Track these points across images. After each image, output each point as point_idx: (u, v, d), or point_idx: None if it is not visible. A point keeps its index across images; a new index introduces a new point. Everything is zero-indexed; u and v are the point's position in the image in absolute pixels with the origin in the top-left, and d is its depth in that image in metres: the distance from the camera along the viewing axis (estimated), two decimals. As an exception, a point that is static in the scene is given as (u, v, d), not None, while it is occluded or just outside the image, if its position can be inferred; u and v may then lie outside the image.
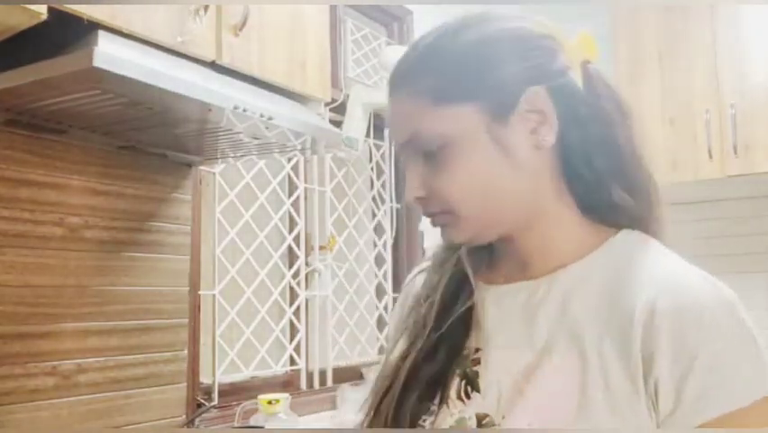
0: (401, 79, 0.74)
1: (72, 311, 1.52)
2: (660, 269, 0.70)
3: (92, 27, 1.13)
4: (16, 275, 1.43)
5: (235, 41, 1.41)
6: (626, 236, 0.75)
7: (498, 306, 0.75)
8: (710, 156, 2.50)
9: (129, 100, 1.23)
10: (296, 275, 2.21)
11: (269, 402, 1.68)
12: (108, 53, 1.08)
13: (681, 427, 0.62)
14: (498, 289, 0.76)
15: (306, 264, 2.24)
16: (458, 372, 0.74)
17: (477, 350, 0.74)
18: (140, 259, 1.67)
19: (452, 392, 0.73)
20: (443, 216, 0.73)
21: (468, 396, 0.72)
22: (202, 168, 1.86)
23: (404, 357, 0.77)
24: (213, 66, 1.38)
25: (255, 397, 1.75)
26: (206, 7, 1.33)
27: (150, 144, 1.63)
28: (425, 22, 2.71)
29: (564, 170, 0.74)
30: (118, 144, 1.60)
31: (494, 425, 0.69)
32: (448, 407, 0.72)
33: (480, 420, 0.70)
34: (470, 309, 0.76)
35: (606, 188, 0.74)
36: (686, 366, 0.62)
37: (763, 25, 2.49)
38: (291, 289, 2.22)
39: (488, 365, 0.72)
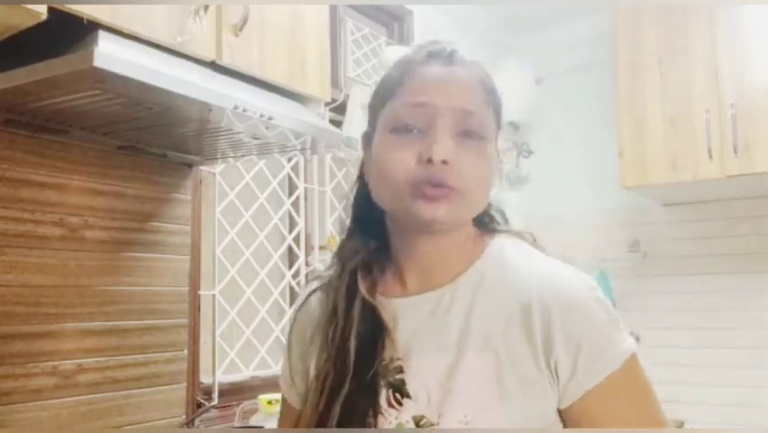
0: (468, 59, 0.84)
1: (72, 311, 1.52)
2: (537, 267, 0.82)
3: (92, 27, 1.13)
4: (16, 275, 1.43)
5: (235, 41, 1.41)
6: (503, 242, 0.86)
7: (406, 317, 0.82)
8: (710, 156, 2.50)
9: (129, 100, 1.23)
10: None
11: (269, 402, 1.68)
12: (108, 53, 1.08)
13: (578, 392, 0.76)
14: (400, 301, 0.84)
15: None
16: (383, 383, 0.80)
17: (394, 359, 0.80)
18: (140, 259, 1.67)
19: (383, 402, 0.79)
20: (447, 191, 0.78)
21: (399, 402, 0.79)
22: (202, 168, 1.86)
23: (324, 379, 0.82)
24: (213, 66, 1.38)
25: (255, 397, 1.75)
26: (206, 7, 1.33)
27: (151, 144, 1.63)
28: (424, 22, 2.71)
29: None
30: (118, 144, 1.60)
31: (432, 424, 0.76)
32: (384, 416, 0.79)
33: (418, 422, 0.77)
34: (377, 324, 0.82)
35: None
36: (575, 345, 0.75)
37: (763, 25, 2.48)
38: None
39: (411, 372, 0.79)
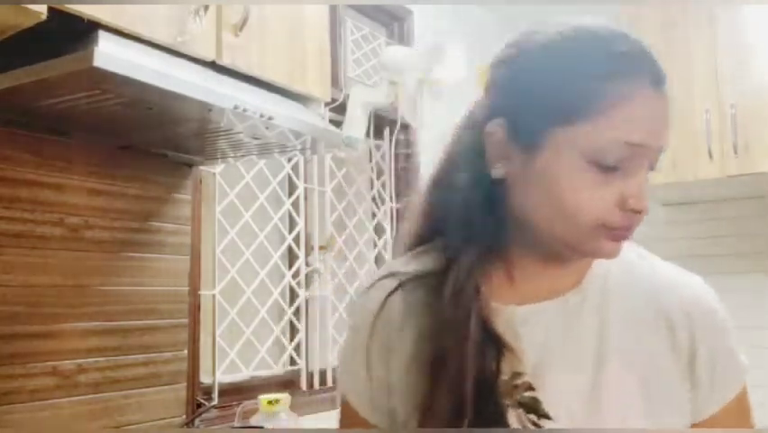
0: (666, 78, 0.72)
1: (72, 311, 1.52)
2: (665, 273, 0.78)
3: (92, 27, 1.13)
4: (16, 275, 1.43)
5: (235, 41, 1.41)
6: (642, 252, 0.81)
7: (528, 326, 0.73)
8: (710, 156, 2.50)
9: (129, 100, 1.22)
10: (296, 275, 2.21)
11: (269, 402, 1.68)
12: (108, 53, 1.08)
13: (711, 404, 0.74)
14: (519, 309, 0.74)
15: (306, 264, 2.24)
16: (509, 402, 0.70)
17: (517, 375, 0.71)
18: (140, 259, 1.67)
19: (516, 425, 0.70)
20: (630, 232, 0.71)
21: (536, 425, 0.70)
22: (202, 168, 1.85)
23: (432, 408, 0.70)
24: (213, 66, 1.38)
25: (255, 397, 1.74)
26: (206, 7, 1.33)
27: (151, 144, 1.63)
28: (425, 22, 2.71)
29: None
30: (118, 144, 1.60)
31: None
32: None
33: None
34: (493, 334, 0.71)
35: None
36: (713, 361, 0.73)
37: (763, 25, 2.48)
38: (291, 289, 2.22)
39: (546, 389, 0.71)
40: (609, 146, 0.66)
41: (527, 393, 0.71)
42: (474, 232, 0.73)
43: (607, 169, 0.67)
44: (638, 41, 0.70)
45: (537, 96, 0.70)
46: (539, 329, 0.73)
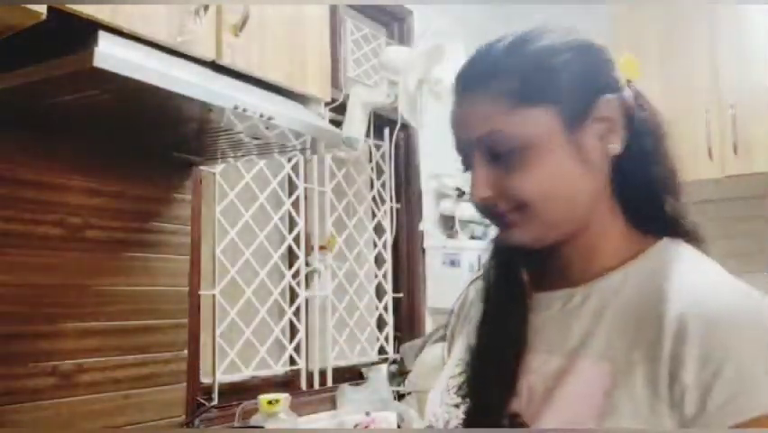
0: (475, 80, 0.76)
1: (72, 311, 1.52)
2: (691, 279, 0.71)
3: (92, 27, 1.13)
4: (16, 275, 1.43)
5: (235, 41, 1.41)
6: (666, 245, 0.77)
7: (535, 311, 0.78)
8: (710, 156, 2.50)
9: (129, 100, 1.22)
10: (296, 275, 2.21)
11: (269, 402, 1.68)
12: (108, 53, 1.07)
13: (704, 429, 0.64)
14: (537, 295, 0.80)
15: (306, 264, 2.24)
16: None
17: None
18: (140, 259, 1.67)
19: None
20: (513, 215, 0.74)
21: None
22: (202, 168, 1.85)
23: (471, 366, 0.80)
24: (213, 66, 1.38)
25: (255, 397, 1.74)
26: (206, 7, 1.33)
27: (151, 144, 1.63)
28: (425, 22, 2.71)
29: (618, 180, 0.77)
30: (118, 144, 1.60)
31: (524, 425, 0.72)
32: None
33: (513, 419, 0.73)
34: (524, 315, 0.79)
35: (657, 198, 0.77)
36: (712, 375, 0.63)
37: (762, 25, 2.48)
38: (291, 289, 2.22)
39: (524, 368, 0.75)
40: (454, 143, 0.79)
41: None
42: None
43: (467, 166, 0.77)
44: (461, 68, 0.80)
45: None
46: (540, 315, 0.78)
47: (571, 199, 0.74)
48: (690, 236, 0.78)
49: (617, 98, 0.75)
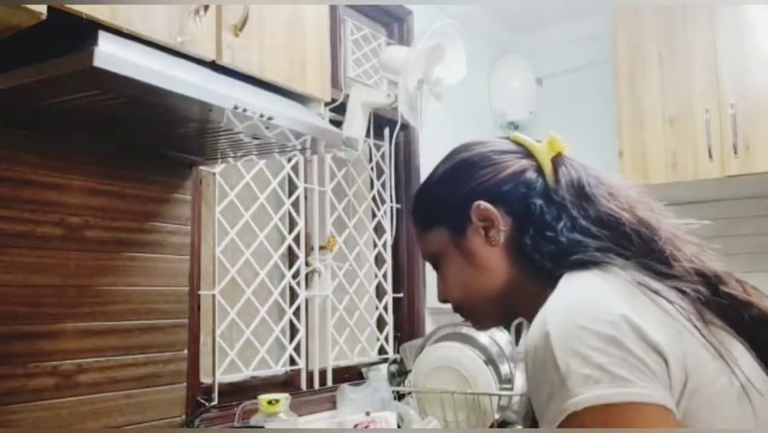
0: (411, 212, 0.98)
1: (72, 311, 1.52)
2: (544, 307, 0.75)
3: (92, 27, 1.13)
4: (16, 275, 1.43)
5: (235, 41, 1.41)
6: (566, 278, 0.79)
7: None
8: (710, 156, 2.50)
9: (129, 100, 1.22)
10: (296, 275, 2.21)
11: (269, 402, 1.68)
12: (108, 53, 1.07)
13: None
14: None
15: (306, 264, 2.24)
16: None
17: None
18: (140, 259, 1.67)
19: None
20: (461, 312, 0.93)
21: None
22: (202, 168, 1.85)
23: None
24: (213, 66, 1.38)
25: (255, 397, 1.74)
26: (206, 7, 1.33)
27: (151, 144, 1.63)
28: (425, 22, 2.71)
29: (522, 251, 0.85)
30: (118, 144, 1.60)
31: None
32: None
33: None
34: None
35: (552, 249, 0.83)
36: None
37: (763, 25, 2.48)
38: (291, 289, 2.22)
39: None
40: None
41: None
42: None
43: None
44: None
45: None
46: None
47: (478, 292, 0.89)
48: (586, 265, 0.80)
49: (486, 201, 0.87)
